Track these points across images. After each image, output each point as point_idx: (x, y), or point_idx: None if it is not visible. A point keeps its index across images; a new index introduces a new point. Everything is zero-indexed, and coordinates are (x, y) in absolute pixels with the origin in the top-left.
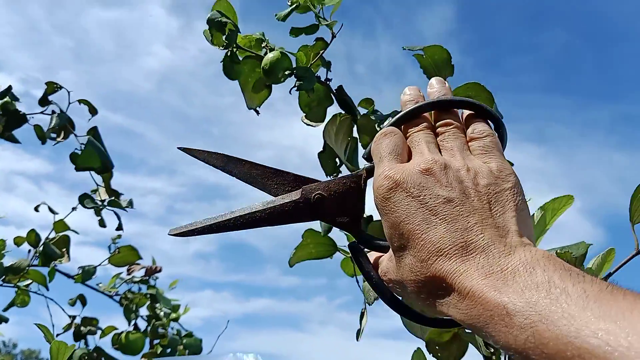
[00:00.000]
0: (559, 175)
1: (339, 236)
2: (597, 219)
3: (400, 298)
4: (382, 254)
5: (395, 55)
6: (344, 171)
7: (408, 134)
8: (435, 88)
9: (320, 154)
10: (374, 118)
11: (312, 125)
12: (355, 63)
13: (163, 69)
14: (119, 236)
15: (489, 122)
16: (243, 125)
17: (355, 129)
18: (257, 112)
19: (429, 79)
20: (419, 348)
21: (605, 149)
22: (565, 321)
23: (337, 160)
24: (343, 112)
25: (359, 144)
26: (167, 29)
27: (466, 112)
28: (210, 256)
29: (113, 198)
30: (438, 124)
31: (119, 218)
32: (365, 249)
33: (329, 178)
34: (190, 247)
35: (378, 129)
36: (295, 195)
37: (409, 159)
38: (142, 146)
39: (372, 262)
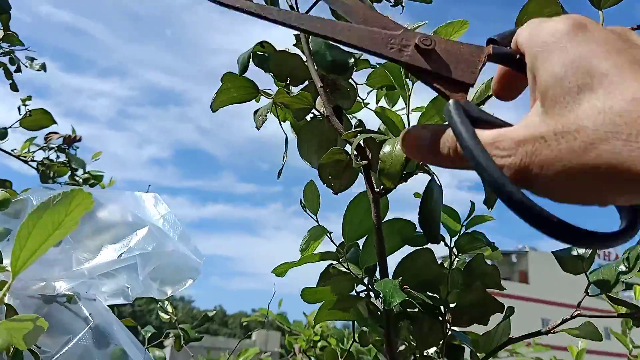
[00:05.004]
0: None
1: (259, 77)
2: None
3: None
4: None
5: None
6: None
7: None
8: None
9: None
10: None
11: None
12: None
13: None
14: (29, 97)
15: None
16: (198, 28)
17: None
18: None
19: None
20: (311, 180)
21: None
22: None
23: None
24: None
25: None
26: None
27: None
28: (165, 162)
29: (8, 33)
30: None
31: (17, 61)
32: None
33: None
34: (144, 152)
35: None
36: (394, 31)
37: None
38: (91, 46)
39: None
